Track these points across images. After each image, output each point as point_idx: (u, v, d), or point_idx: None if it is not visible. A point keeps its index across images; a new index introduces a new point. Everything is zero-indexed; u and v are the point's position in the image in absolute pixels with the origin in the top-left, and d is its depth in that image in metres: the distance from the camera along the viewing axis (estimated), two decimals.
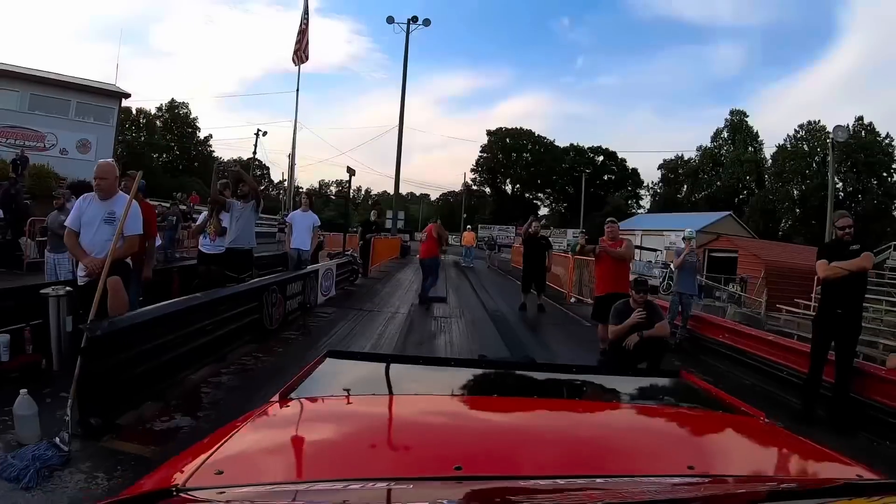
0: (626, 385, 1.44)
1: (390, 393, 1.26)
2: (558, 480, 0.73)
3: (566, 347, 5.87)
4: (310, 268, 6.69)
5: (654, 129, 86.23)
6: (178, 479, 0.70)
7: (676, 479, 0.76)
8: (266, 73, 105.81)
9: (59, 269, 5.65)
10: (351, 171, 12.96)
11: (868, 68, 71.71)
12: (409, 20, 24.47)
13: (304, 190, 29.97)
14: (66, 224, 3.32)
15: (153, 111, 51.28)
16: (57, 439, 2.45)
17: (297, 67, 22.83)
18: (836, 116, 75.62)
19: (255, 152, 34.53)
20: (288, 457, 0.86)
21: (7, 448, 2.47)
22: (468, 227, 30.55)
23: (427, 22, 24.76)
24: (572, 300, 9.70)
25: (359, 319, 6.56)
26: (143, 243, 3.96)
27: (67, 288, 3.68)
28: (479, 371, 1.53)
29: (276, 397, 1.11)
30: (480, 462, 0.81)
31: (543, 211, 57.16)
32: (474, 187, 57.58)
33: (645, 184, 58.17)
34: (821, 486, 0.75)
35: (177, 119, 53.54)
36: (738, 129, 55.49)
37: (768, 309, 11.86)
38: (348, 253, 10.33)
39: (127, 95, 22.23)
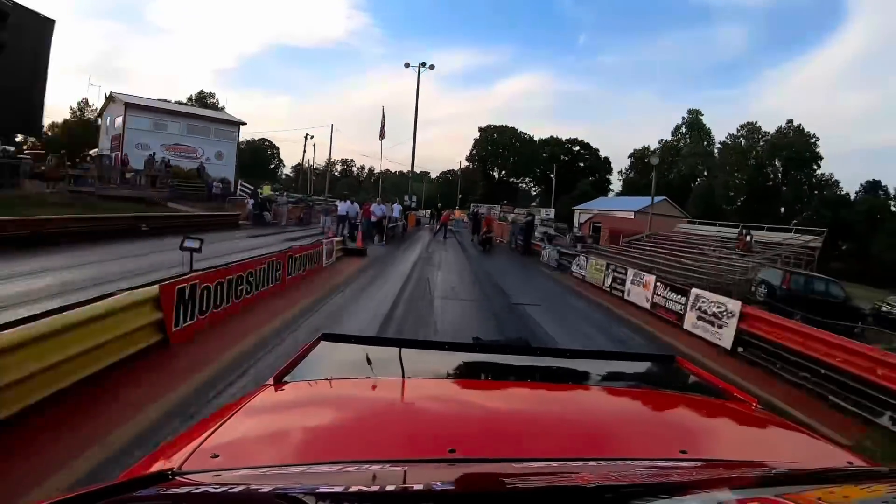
0: (620, 369, 1.52)
1: (384, 376, 1.30)
2: (551, 463, 0.76)
3: (482, 251, 19.21)
4: (398, 223, 20.61)
5: (654, 111, 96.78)
6: (174, 462, 0.75)
7: (669, 463, 0.79)
8: (265, 49, 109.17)
9: (326, 222, 18.93)
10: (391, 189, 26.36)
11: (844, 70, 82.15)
12: (419, 65, 36.85)
13: (401, 198, 43.06)
14: (372, 210, 16.82)
15: (184, 100, 62.27)
16: (381, 244, 16.12)
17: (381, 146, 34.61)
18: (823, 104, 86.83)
19: (304, 151, 47.60)
20: (282, 440, 0.90)
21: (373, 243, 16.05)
22: (457, 207, 44.43)
23: (432, 66, 37.10)
24: (497, 240, 23.25)
25: (413, 241, 20.87)
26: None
27: (351, 224, 17.23)
28: (473, 354, 1.58)
29: (270, 381, 1.16)
30: (474, 445, 0.86)
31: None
32: (468, 169, 69.86)
33: (618, 170, 70.63)
34: (811, 472, 0.77)
35: (206, 108, 64.69)
36: (694, 126, 67.25)
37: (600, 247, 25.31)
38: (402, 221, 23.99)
39: (244, 123, 35.17)
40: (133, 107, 31.20)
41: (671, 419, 1.12)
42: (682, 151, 65.68)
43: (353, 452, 0.80)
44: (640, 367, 1.63)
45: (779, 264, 14.84)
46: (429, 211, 35.51)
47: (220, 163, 33.56)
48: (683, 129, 67.78)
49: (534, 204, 63.29)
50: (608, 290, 11.83)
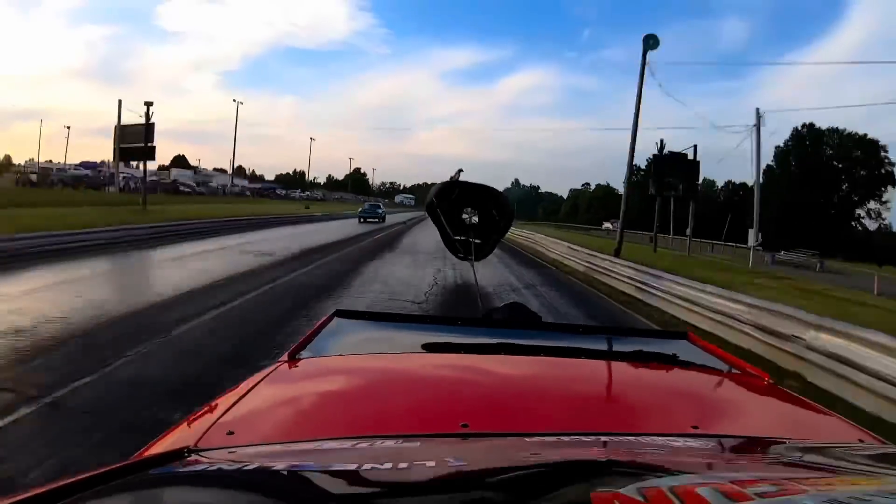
0: (631, 345, 1.56)
1: (396, 352, 1.34)
2: (563, 437, 0.77)
3: None
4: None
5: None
6: (190, 440, 0.77)
7: (680, 438, 0.81)
8: (268, 50, 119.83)
9: None
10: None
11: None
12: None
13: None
14: None
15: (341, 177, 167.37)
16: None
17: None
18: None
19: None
20: (297, 416, 0.93)
21: None
22: None
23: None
24: None
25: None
26: None
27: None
28: (484, 330, 1.65)
29: (284, 357, 1.19)
30: (486, 420, 0.88)
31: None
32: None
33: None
34: (822, 448, 0.78)
35: (361, 180, 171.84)
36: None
37: None
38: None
39: (409, 190, 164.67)
40: (406, 196, 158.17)
41: (683, 394, 1.14)
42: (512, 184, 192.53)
43: (366, 428, 0.83)
44: (651, 342, 1.68)
45: None
46: None
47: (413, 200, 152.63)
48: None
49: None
50: None
